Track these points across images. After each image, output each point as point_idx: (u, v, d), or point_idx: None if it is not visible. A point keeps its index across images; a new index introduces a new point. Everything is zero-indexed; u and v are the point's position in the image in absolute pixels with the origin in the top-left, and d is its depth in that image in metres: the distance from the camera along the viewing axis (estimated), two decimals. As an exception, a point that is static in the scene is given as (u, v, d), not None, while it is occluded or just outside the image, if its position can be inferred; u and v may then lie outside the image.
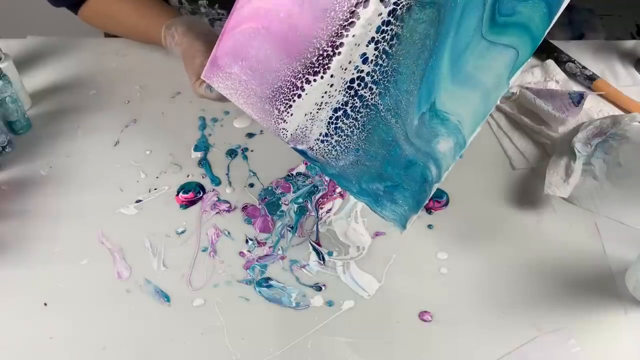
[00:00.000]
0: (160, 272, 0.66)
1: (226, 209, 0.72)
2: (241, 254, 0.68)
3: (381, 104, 0.54)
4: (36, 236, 0.69)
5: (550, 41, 0.94)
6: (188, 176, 0.76)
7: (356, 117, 0.55)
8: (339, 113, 0.55)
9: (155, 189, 0.74)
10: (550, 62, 0.90)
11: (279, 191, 0.74)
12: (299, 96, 0.54)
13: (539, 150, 0.80)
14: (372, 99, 0.54)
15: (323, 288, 0.65)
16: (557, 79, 0.88)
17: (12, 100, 0.76)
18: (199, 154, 0.78)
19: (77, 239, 0.69)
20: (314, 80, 0.53)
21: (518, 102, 0.85)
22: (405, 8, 0.50)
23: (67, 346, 0.60)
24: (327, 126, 0.55)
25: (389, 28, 0.51)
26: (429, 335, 0.62)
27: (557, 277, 0.67)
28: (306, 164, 0.76)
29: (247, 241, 0.69)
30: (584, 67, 0.89)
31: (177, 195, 0.73)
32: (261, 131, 0.81)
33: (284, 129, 0.55)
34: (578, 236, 0.71)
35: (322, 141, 0.56)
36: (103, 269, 0.66)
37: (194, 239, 0.69)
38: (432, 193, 0.60)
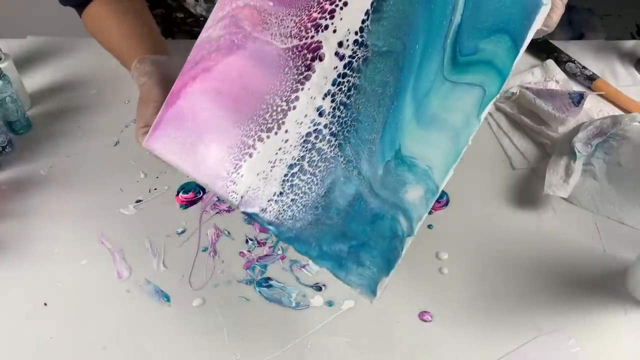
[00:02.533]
0: (160, 272, 0.66)
1: (226, 209, 0.72)
2: (241, 254, 0.68)
3: (341, 156, 0.51)
4: (36, 236, 0.69)
5: (550, 41, 0.94)
6: (188, 176, 0.75)
7: (314, 172, 0.52)
8: (295, 169, 0.51)
9: (155, 189, 0.74)
10: (550, 62, 0.90)
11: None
12: (251, 155, 0.51)
13: (539, 150, 0.80)
14: (331, 151, 0.51)
15: (323, 288, 0.65)
16: (557, 79, 0.89)
17: (12, 100, 0.76)
18: (199, 154, 0.78)
19: (77, 239, 0.69)
20: (267, 137, 0.50)
21: (518, 102, 0.85)
22: (361, 59, 0.49)
23: (67, 346, 0.60)
24: (281, 184, 0.51)
25: (345, 80, 0.50)
26: (429, 335, 0.62)
27: (557, 277, 0.67)
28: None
29: (247, 241, 0.69)
30: (584, 67, 0.89)
31: (177, 195, 0.73)
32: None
33: (233, 191, 0.51)
34: (578, 236, 0.71)
35: (276, 201, 0.52)
36: (103, 269, 0.66)
37: (194, 239, 0.69)
38: (405, 250, 0.54)
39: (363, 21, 0.49)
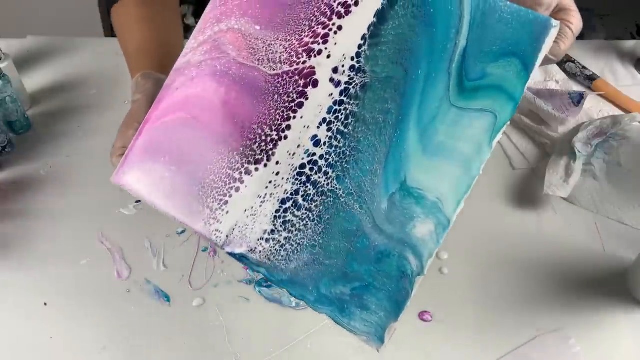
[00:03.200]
0: (160, 272, 0.66)
1: (226, 209, 0.72)
2: (241, 254, 0.68)
3: (340, 189, 0.47)
4: (36, 236, 0.69)
5: (550, 41, 0.94)
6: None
7: (310, 207, 0.47)
8: (288, 204, 0.47)
9: (155, 189, 0.74)
10: (550, 62, 0.90)
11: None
12: (237, 189, 0.47)
13: (539, 150, 0.80)
14: (328, 184, 0.47)
15: (323, 288, 0.65)
16: (557, 79, 0.89)
17: (12, 100, 0.76)
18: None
19: (77, 239, 0.69)
20: (256, 169, 0.47)
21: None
22: (359, 86, 0.47)
23: (67, 346, 0.60)
24: (272, 222, 0.47)
25: (342, 107, 0.47)
26: (429, 335, 0.62)
27: (557, 277, 0.67)
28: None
29: (247, 241, 0.69)
30: (584, 67, 0.89)
31: (177, 195, 0.73)
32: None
33: (217, 230, 0.47)
34: (578, 236, 0.71)
35: (267, 240, 0.48)
36: (103, 269, 0.66)
37: (194, 239, 0.69)
38: (415, 290, 0.48)
39: (360, 46, 0.46)
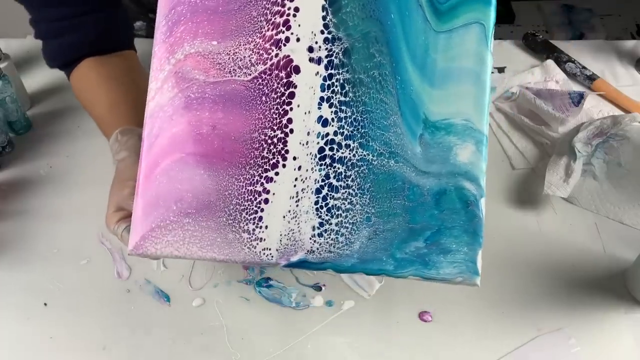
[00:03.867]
0: (160, 272, 0.66)
1: (226, 209, 0.72)
2: (241, 254, 0.68)
3: (368, 154, 0.47)
4: (36, 236, 0.69)
5: (550, 41, 0.94)
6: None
7: (347, 184, 0.46)
8: (324, 191, 0.46)
9: (155, 189, 0.74)
10: (550, 62, 0.90)
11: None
12: (267, 201, 0.46)
13: (539, 150, 0.80)
14: (354, 155, 0.46)
15: (323, 288, 0.65)
16: (557, 79, 0.89)
17: (12, 100, 0.76)
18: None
19: (77, 239, 0.69)
20: (276, 174, 0.46)
21: (518, 102, 0.85)
22: (341, 53, 0.46)
23: (67, 346, 0.60)
24: (317, 214, 0.46)
25: (333, 80, 0.46)
26: (429, 335, 0.62)
27: (557, 277, 0.67)
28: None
29: (247, 241, 0.69)
30: (584, 67, 0.89)
31: (177, 195, 0.73)
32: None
33: (264, 249, 0.46)
34: (578, 236, 0.71)
35: (320, 234, 0.46)
36: (103, 269, 0.66)
37: (194, 239, 0.69)
38: (484, 211, 0.48)
39: (324, 17, 0.46)
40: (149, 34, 0.98)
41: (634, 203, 0.72)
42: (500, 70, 0.91)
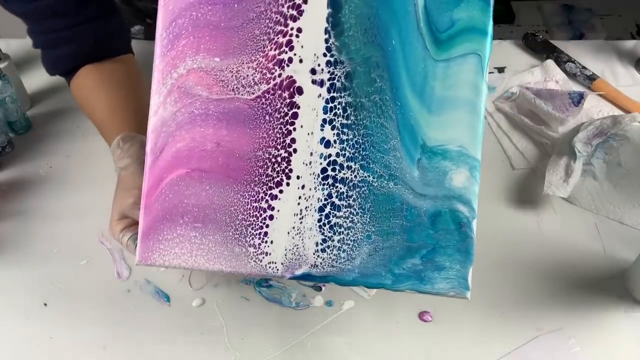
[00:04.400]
0: (160, 272, 0.66)
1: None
2: (241, 254, 0.68)
3: (369, 176, 0.48)
4: (36, 236, 0.69)
5: (550, 41, 0.94)
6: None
7: (349, 204, 0.48)
8: (327, 210, 0.48)
9: (155, 189, 0.74)
10: (550, 62, 0.90)
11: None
12: (271, 217, 0.47)
13: (539, 150, 0.80)
14: (356, 176, 0.48)
15: (323, 288, 0.65)
16: (557, 79, 0.89)
17: (12, 100, 0.76)
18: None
19: (77, 239, 0.69)
20: (280, 191, 0.47)
21: (518, 102, 0.85)
22: (343, 77, 0.47)
23: (67, 346, 0.60)
24: (320, 231, 0.48)
25: (336, 103, 0.47)
26: (429, 335, 0.62)
27: (557, 277, 0.67)
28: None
29: (247, 241, 0.69)
30: (583, 67, 0.89)
31: (177, 195, 0.73)
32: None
33: (270, 262, 0.48)
34: (578, 236, 0.71)
35: (324, 250, 0.48)
36: (103, 269, 0.66)
37: (194, 239, 0.69)
38: (475, 231, 0.51)
39: (326, 40, 0.47)
40: (147, 37, 0.98)
41: (634, 203, 0.72)
42: (500, 70, 0.91)
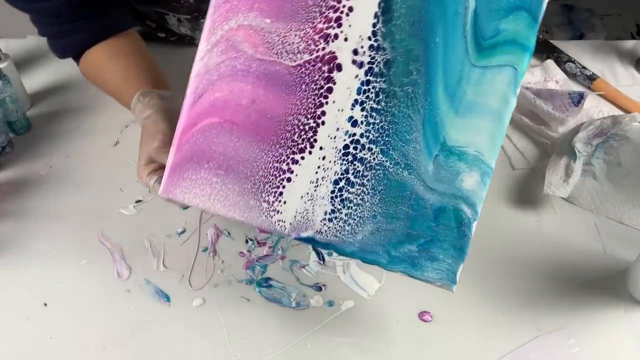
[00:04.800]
0: (160, 272, 0.66)
1: (226, 209, 0.72)
2: (241, 254, 0.68)
3: (386, 161, 0.50)
4: (36, 236, 0.69)
5: (550, 41, 0.94)
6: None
7: (362, 183, 0.50)
8: (342, 183, 0.50)
9: (155, 189, 0.74)
10: (550, 62, 0.90)
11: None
12: (289, 180, 0.50)
13: (539, 150, 0.80)
14: (374, 158, 0.50)
15: (323, 288, 0.65)
16: (557, 79, 0.89)
17: (12, 100, 0.76)
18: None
19: (77, 239, 0.69)
20: (302, 158, 0.49)
21: (518, 102, 0.85)
22: (382, 63, 0.48)
23: (67, 346, 0.60)
24: (331, 202, 0.50)
25: (370, 86, 0.48)
26: (429, 335, 0.62)
27: (557, 277, 0.67)
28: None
29: (247, 241, 0.69)
30: (583, 67, 0.89)
31: (177, 195, 0.73)
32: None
33: (280, 220, 0.50)
34: (578, 236, 0.71)
35: (331, 219, 0.51)
36: (103, 269, 0.66)
37: (194, 239, 0.69)
38: (473, 232, 0.53)
39: (374, 25, 0.47)
40: (148, 39, 0.98)
41: (634, 203, 0.72)
42: (500, 70, 0.91)
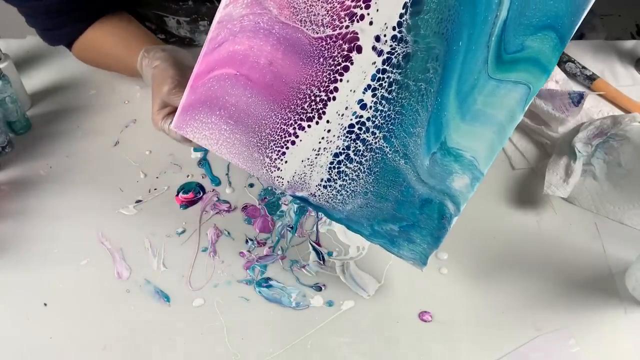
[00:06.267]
0: (160, 272, 0.66)
1: (226, 209, 0.72)
2: (241, 254, 0.68)
3: (387, 147, 0.52)
4: (36, 236, 0.69)
5: (550, 41, 0.94)
6: (188, 176, 0.76)
7: (360, 161, 0.52)
8: (341, 157, 0.52)
9: (155, 189, 0.74)
10: (550, 62, 0.90)
11: (279, 191, 0.74)
12: (293, 143, 0.52)
13: (539, 150, 0.80)
14: (376, 142, 0.52)
15: (323, 288, 0.65)
16: (557, 79, 0.88)
17: (12, 100, 0.76)
18: (198, 154, 0.78)
19: (77, 239, 0.69)
20: (308, 126, 0.51)
21: (518, 102, 0.84)
22: (401, 56, 0.48)
23: (67, 346, 0.60)
24: (328, 171, 0.53)
25: (385, 76, 0.49)
26: (429, 335, 0.62)
27: (557, 277, 0.67)
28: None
29: (247, 241, 0.69)
30: (583, 67, 0.89)
31: (177, 195, 0.73)
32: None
33: (279, 176, 0.53)
34: (578, 236, 0.71)
35: (325, 186, 0.54)
36: (103, 269, 0.66)
37: (194, 239, 0.69)
38: (452, 226, 0.56)
39: (401, 15, 0.46)
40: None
41: (634, 203, 0.72)
42: (500, 70, 0.91)
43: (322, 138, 0.51)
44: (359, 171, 0.53)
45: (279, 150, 0.52)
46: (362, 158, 0.52)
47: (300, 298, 0.64)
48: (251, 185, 0.75)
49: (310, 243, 0.69)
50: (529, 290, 0.66)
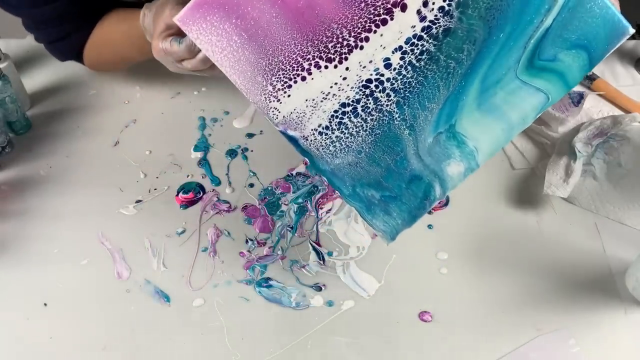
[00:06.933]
0: (160, 272, 0.66)
1: (226, 209, 0.72)
2: (241, 254, 0.68)
3: (397, 113, 0.51)
4: (36, 236, 0.69)
5: (550, 41, 0.94)
6: (188, 176, 0.76)
7: (365, 119, 0.51)
8: (348, 109, 0.51)
9: (155, 189, 0.74)
10: (550, 62, 0.90)
11: (279, 191, 0.74)
12: (304, 79, 0.49)
13: (539, 150, 0.80)
14: (388, 105, 0.51)
15: (323, 288, 0.65)
16: (557, 79, 0.88)
17: (12, 100, 0.76)
18: (198, 154, 0.78)
19: (77, 239, 0.69)
20: (325, 67, 0.48)
21: (518, 102, 0.85)
22: (441, 29, 0.47)
23: (67, 346, 0.60)
24: (329, 119, 0.51)
25: (420, 43, 0.48)
26: (429, 335, 0.62)
27: (557, 277, 0.67)
28: (306, 163, 0.73)
29: (247, 241, 0.69)
30: (584, 67, 0.89)
31: (177, 195, 0.73)
32: (261, 131, 0.81)
33: (275, 108, 0.50)
34: (578, 236, 0.71)
35: (321, 133, 0.52)
36: (103, 269, 0.66)
37: (194, 239, 0.69)
38: (430, 208, 0.57)
39: None
40: None
41: (634, 203, 0.72)
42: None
43: (335, 84, 0.49)
44: (360, 128, 0.52)
45: (286, 82, 0.49)
46: (368, 116, 0.51)
47: (300, 298, 0.64)
48: (251, 185, 0.75)
49: (310, 243, 0.69)
50: (529, 290, 0.66)
